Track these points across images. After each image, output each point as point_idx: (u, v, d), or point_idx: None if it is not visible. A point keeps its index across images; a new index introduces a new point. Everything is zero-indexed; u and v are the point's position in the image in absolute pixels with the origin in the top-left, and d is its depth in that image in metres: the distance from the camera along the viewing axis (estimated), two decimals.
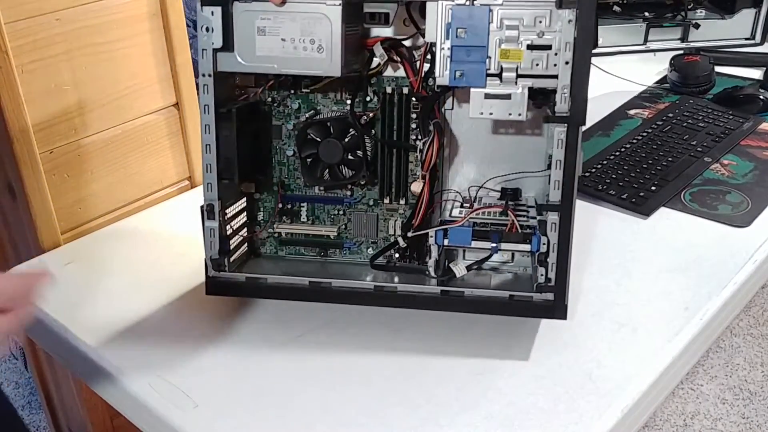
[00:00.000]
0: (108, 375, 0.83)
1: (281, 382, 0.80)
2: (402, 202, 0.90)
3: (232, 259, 0.86)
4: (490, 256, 0.85)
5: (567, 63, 0.74)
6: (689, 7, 1.55)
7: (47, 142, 1.02)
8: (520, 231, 0.81)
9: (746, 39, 1.57)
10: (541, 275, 0.80)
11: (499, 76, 0.76)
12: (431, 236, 0.83)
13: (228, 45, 0.79)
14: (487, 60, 0.76)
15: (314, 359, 0.83)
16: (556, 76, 0.75)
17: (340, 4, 0.77)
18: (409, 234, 0.86)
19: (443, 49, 0.76)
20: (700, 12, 1.55)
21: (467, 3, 0.75)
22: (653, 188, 1.10)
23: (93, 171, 1.09)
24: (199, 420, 0.75)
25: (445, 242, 0.82)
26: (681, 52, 1.47)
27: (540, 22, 0.74)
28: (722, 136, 1.23)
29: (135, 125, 1.12)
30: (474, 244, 0.82)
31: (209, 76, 0.79)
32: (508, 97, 0.77)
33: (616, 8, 1.55)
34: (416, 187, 0.85)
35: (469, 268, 0.84)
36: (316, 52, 0.78)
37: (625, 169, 1.14)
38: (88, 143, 1.07)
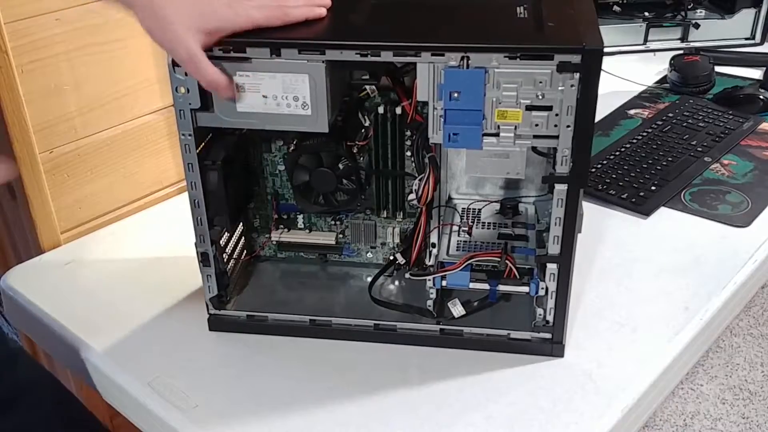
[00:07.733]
0: (108, 375, 0.83)
1: (281, 382, 0.80)
2: (399, 216, 0.89)
3: (230, 272, 0.87)
4: (487, 298, 0.82)
5: (568, 126, 0.70)
6: (689, 7, 1.54)
7: (47, 142, 1.02)
8: (518, 277, 0.80)
9: (746, 39, 1.57)
10: (540, 315, 0.80)
11: (496, 135, 0.71)
12: (429, 279, 0.82)
13: (206, 104, 0.73)
14: (483, 122, 0.70)
15: (314, 359, 0.83)
16: (557, 137, 0.71)
17: (323, 62, 0.70)
18: (407, 276, 0.87)
19: (436, 109, 0.71)
20: (700, 12, 1.55)
21: (461, 65, 0.68)
22: (653, 188, 1.10)
23: (93, 171, 1.09)
24: (199, 420, 0.75)
25: (443, 284, 0.81)
26: (681, 52, 1.46)
27: (540, 83, 0.68)
28: (722, 136, 1.23)
29: (135, 125, 1.12)
30: (472, 285, 0.81)
31: (190, 136, 0.75)
32: (506, 156, 0.75)
33: (616, 8, 1.55)
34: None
35: (466, 309, 0.83)
36: (301, 109, 0.73)
37: (625, 169, 1.14)
38: (88, 143, 1.07)
